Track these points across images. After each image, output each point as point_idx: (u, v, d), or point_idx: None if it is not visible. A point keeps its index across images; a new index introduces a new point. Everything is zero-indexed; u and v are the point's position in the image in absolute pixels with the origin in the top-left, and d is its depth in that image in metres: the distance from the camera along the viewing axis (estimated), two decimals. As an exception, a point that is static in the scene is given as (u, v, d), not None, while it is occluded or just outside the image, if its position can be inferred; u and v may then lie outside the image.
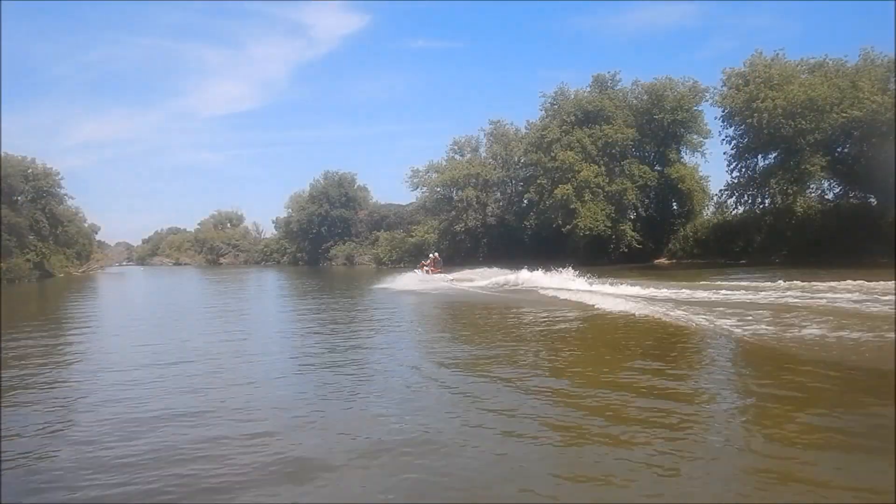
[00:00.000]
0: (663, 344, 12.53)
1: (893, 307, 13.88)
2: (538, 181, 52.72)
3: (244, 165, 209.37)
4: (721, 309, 15.57)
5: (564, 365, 10.86)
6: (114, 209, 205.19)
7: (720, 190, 48.02)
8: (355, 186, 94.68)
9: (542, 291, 24.09)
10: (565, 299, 21.12)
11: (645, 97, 52.23)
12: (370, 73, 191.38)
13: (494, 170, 61.43)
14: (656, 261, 50.37)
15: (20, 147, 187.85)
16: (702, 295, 18.81)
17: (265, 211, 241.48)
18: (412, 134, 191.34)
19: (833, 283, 18.54)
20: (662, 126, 51.14)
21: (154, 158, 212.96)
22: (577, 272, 25.99)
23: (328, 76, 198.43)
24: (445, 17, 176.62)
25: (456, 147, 65.09)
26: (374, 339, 15.02)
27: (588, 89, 54.19)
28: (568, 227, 48.59)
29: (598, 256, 49.32)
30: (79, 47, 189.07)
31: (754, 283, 21.51)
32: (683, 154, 53.27)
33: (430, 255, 35.91)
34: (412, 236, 68.20)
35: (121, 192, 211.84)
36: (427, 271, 32.96)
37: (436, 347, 13.26)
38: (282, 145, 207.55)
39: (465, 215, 60.95)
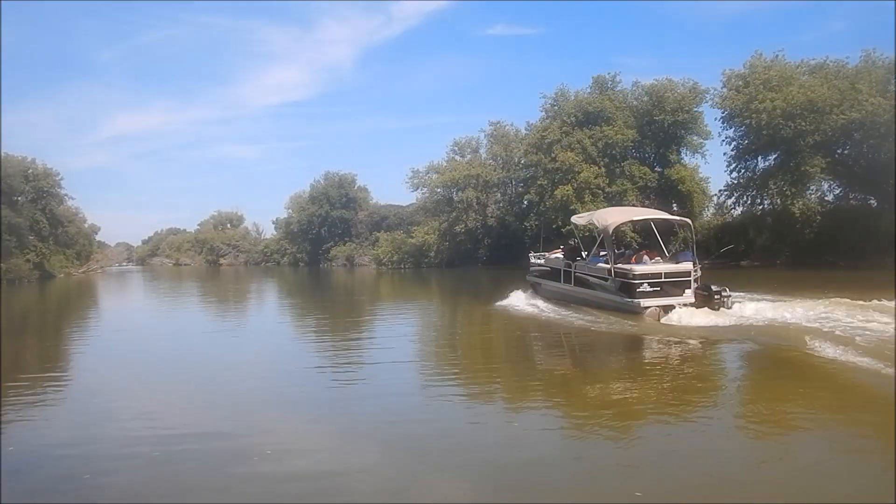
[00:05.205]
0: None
1: (893, 309, 13.88)
2: (538, 182, 52.63)
3: (283, 159, 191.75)
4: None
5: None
6: (119, 209, 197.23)
7: (719, 190, 48.04)
8: (355, 187, 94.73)
9: None
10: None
11: (645, 98, 52.16)
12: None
13: (495, 171, 61.40)
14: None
15: (40, 142, 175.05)
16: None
17: (265, 211, 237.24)
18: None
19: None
20: (663, 127, 51.04)
21: (187, 153, 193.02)
22: None
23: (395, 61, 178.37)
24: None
25: (456, 148, 65.12)
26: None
27: (588, 90, 54.24)
28: (568, 227, 48.43)
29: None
30: (132, 27, 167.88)
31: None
32: (684, 155, 53.12)
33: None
34: (412, 237, 68.11)
35: (139, 191, 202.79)
36: None
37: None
38: (317, 138, 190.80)
39: (465, 216, 60.88)
